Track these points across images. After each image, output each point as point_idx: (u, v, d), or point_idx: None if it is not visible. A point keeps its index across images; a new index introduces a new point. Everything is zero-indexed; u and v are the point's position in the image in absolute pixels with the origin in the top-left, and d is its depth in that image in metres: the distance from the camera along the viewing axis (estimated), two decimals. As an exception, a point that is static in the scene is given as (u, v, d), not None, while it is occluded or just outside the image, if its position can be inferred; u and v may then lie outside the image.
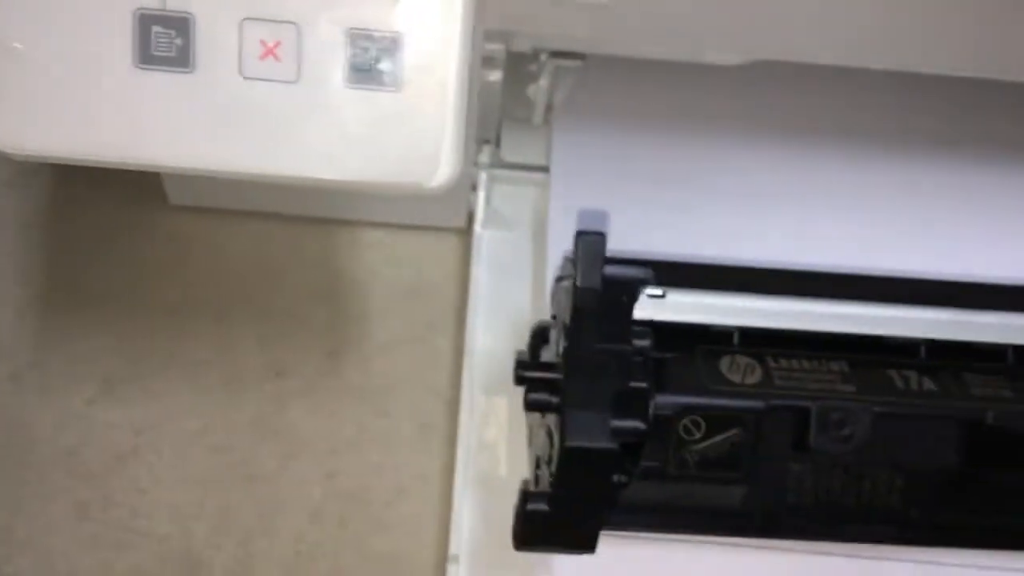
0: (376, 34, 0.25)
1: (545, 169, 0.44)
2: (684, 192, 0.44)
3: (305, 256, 0.42)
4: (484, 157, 0.43)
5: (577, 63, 0.43)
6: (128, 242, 0.42)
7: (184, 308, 0.40)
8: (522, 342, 0.40)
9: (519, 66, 0.45)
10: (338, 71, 0.26)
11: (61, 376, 0.39)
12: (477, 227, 0.42)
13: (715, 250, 0.40)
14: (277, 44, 0.25)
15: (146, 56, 0.25)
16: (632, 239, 0.41)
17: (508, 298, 0.43)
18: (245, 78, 0.25)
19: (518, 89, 0.45)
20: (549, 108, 0.45)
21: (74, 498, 0.37)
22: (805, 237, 0.42)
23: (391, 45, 0.25)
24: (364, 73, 0.26)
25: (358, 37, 0.25)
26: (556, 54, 0.43)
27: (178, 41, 0.25)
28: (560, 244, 0.40)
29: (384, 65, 0.26)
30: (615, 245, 0.34)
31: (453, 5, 0.25)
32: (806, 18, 0.35)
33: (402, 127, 0.26)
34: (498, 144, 0.46)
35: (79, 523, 0.37)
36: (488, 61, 0.40)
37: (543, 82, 0.43)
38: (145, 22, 0.25)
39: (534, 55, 0.43)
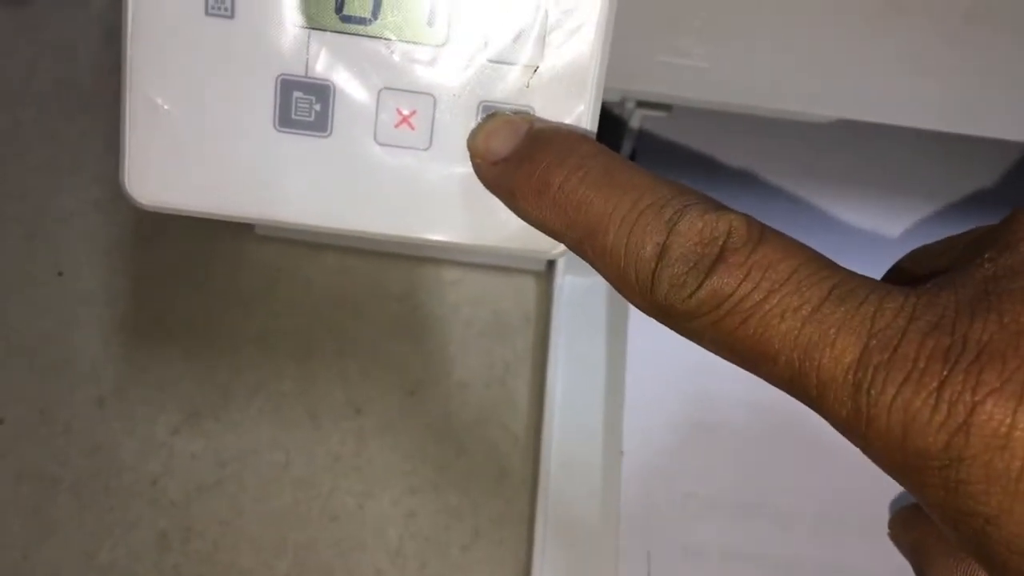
0: (507, 107, 0.26)
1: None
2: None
3: (387, 291, 0.42)
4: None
5: (663, 114, 0.44)
6: (214, 271, 0.42)
7: (268, 339, 0.41)
8: (596, 388, 0.40)
9: (605, 114, 0.45)
10: (470, 140, 0.26)
11: (145, 404, 0.40)
12: (559, 273, 0.43)
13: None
14: (412, 113, 0.26)
15: (286, 119, 0.26)
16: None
17: (586, 343, 0.43)
18: (379, 144, 0.26)
19: (602, 136, 0.45)
20: (632, 156, 0.46)
21: (156, 528, 0.38)
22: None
23: (524, 118, 0.26)
24: (495, 144, 0.26)
25: (491, 110, 0.26)
26: (643, 104, 0.43)
27: (317, 107, 0.26)
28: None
29: (516, 137, 0.26)
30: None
31: (584, 81, 0.26)
32: (904, 81, 0.36)
33: (529, 197, 0.27)
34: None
35: (161, 553, 0.37)
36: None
37: (627, 131, 0.44)
38: (287, 88, 0.26)
39: (620, 102, 0.44)
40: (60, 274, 0.42)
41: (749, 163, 0.46)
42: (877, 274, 0.24)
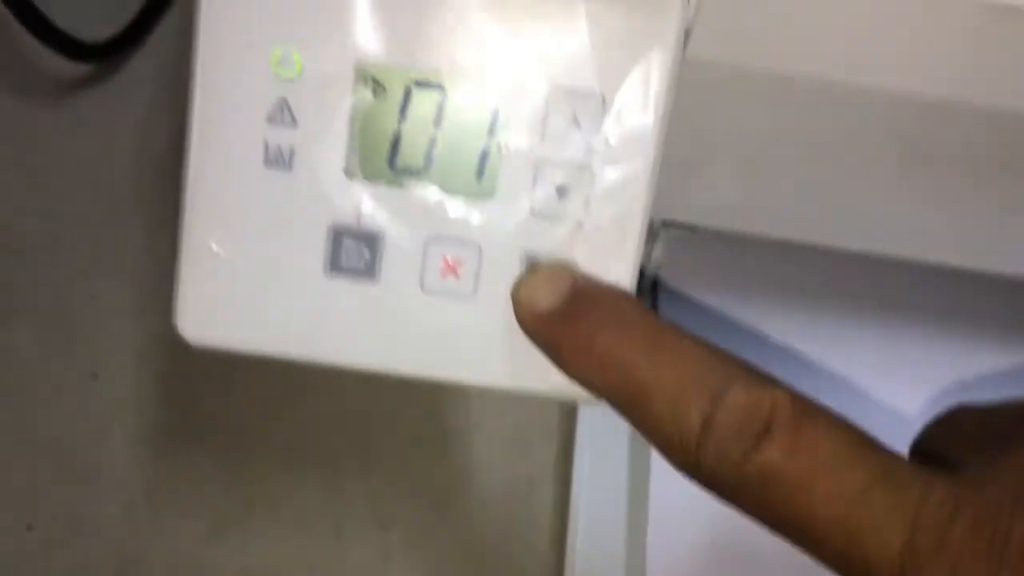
0: (552, 259, 0.27)
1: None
2: (782, 361, 0.45)
3: (413, 404, 0.43)
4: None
5: (688, 233, 0.45)
6: (243, 379, 0.43)
7: (296, 450, 0.41)
8: (619, 505, 0.40)
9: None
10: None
11: (172, 511, 0.40)
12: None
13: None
14: (458, 262, 0.27)
15: (336, 265, 0.27)
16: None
17: (610, 460, 0.43)
18: (425, 291, 0.27)
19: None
20: (656, 273, 0.46)
21: (180, 638, 0.38)
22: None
23: (567, 270, 0.27)
24: (538, 293, 0.27)
25: (534, 261, 0.27)
26: (668, 223, 0.44)
27: (367, 254, 0.27)
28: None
29: (558, 287, 0.27)
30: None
31: (626, 241, 0.27)
32: (931, 218, 0.36)
33: (569, 344, 0.27)
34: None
35: (184, 665, 0.38)
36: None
37: (655, 249, 0.45)
38: (338, 235, 0.26)
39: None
40: (94, 377, 0.42)
41: (775, 279, 0.47)
42: (909, 407, 0.24)
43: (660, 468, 0.43)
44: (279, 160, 0.26)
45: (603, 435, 0.43)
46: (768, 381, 0.22)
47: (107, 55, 0.49)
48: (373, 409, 0.43)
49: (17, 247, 0.46)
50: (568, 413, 0.44)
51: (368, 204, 0.27)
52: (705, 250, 0.46)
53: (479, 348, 0.27)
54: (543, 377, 0.27)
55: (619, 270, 0.27)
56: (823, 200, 0.35)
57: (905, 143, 0.31)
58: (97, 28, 0.48)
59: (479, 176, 0.27)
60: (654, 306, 0.45)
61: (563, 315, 0.25)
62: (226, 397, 0.42)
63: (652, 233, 0.47)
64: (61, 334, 0.44)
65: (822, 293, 0.47)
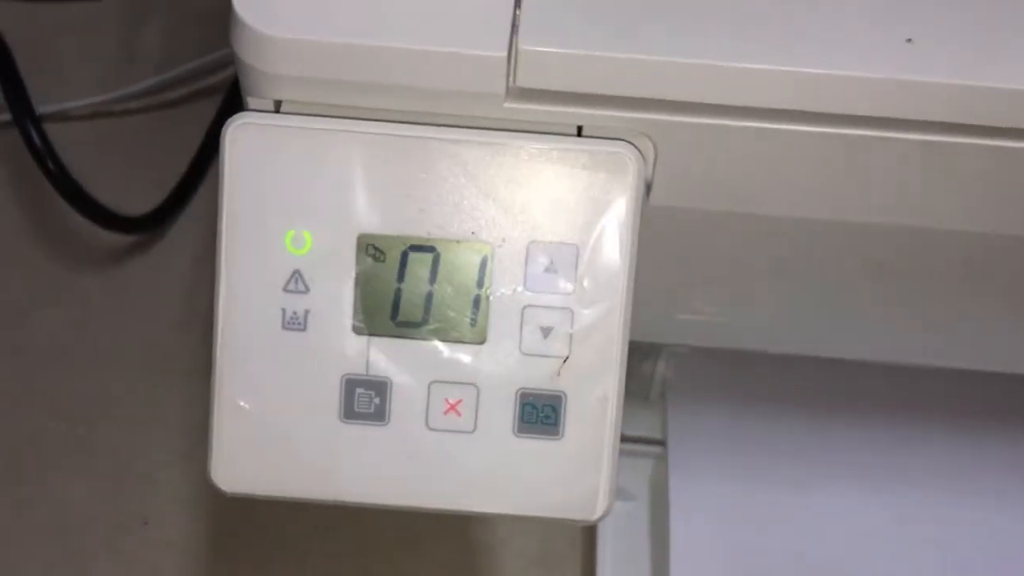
0: (542, 393, 0.30)
1: (660, 443, 0.48)
2: (794, 466, 0.47)
3: (443, 524, 0.45)
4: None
5: (688, 349, 0.47)
6: (280, 511, 0.46)
7: (329, 571, 0.44)
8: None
9: (635, 348, 0.49)
10: (509, 423, 0.30)
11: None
12: (600, 500, 0.46)
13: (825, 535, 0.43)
14: (459, 402, 0.30)
15: (349, 412, 0.30)
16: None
17: (631, 567, 0.45)
18: (430, 429, 0.30)
19: (634, 367, 0.49)
20: (664, 384, 0.49)
21: None
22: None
23: (555, 402, 0.30)
24: (531, 425, 0.30)
25: (527, 395, 0.30)
26: (668, 345, 0.47)
27: (376, 400, 0.30)
28: (682, 519, 0.43)
29: (548, 419, 0.30)
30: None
31: (608, 366, 0.30)
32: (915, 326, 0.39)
33: (564, 469, 0.30)
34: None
35: None
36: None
37: (659, 365, 0.47)
38: (351, 385, 0.30)
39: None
40: (145, 523, 0.46)
41: (776, 386, 0.49)
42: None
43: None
44: (295, 322, 0.30)
45: (624, 544, 0.45)
46: None
47: (148, 228, 0.54)
48: (404, 531, 0.45)
49: (71, 406, 0.50)
50: (588, 527, 0.46)
51: (375, 356, 0.30)
52: (709, 366, 0.49)
53: (483, 479, 0.30)
54: (544, 502, 0.30)
55: (605, 390, 0.30)
56: (793, 314, 0.38)
57: (862, 260, 0.34)
58: (138, 204, 0.54)
59: (472, 324, 0.30)
60: (663, 422, 0.48)
61: None
62: (264, 532, 0.45)
63: (653, 349, 0.49)
64: (112, 483, 0.47)
65: (828, 399, 0.49)
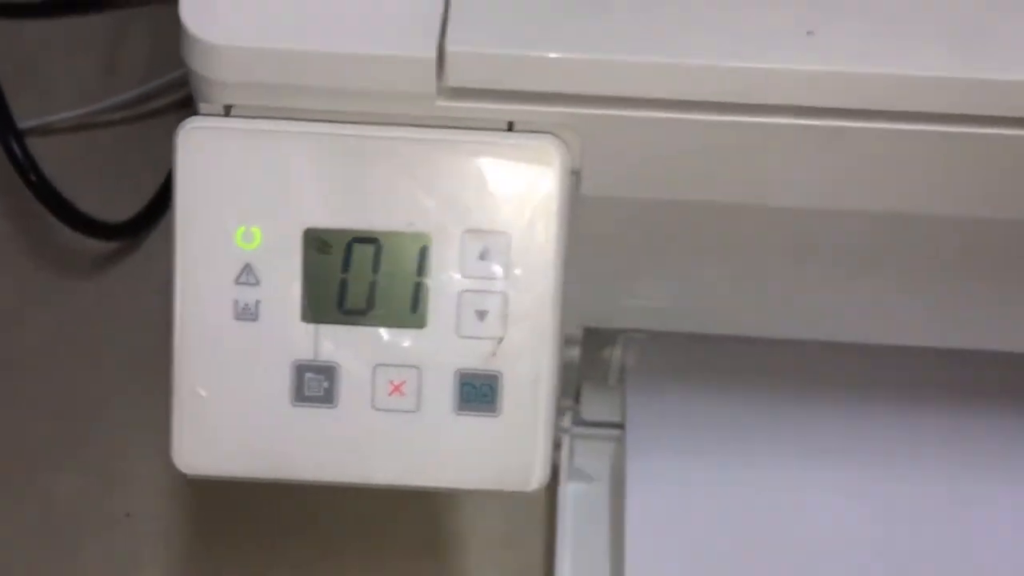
0: (479, 373, 0.32)
1: (620, 426, 0.49)
2: (747, 444, 0.48)
3: (411, 510, 0.47)
4: (566, 422, 0.49)
5: (644, 335, 0.49)
6: (260, 504, 0.48)
7: (305, 559, 0.46)
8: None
9: (593, 335, 0.51)
10: (449, 402, 0.32)
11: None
12: (562, 482, 0.48)
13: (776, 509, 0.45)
14: (402, 383, 0.32)
15: (300, 395, 0.32)
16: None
17: (591, 545, 0.47)
18: (376, 409, 0.32)
19: (594, 354, 0.51)
20: (623, 370, 0.51)
21: None
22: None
23: (492, 381, 0.32)
24: (470, 403, 0.32)
25: (466, 375, 0.32)
26: (624, 330, 0.49)
27: (325, 384, 0.32)
28: (638, 497, 0.45)
29: (486, 397, 0.32)
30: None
31: (542, 346, 0.32)
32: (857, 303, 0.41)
33: (502, 444, 0.32)
34: (577, 400, 0.52)
35: None
36: (569, 339, 0.46)
37: (616, 351, 0.49)
38: (300, 371, 0.32)
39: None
40: (128, 515, 0.48)
41: (734, 369, 0.51)
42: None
43: (637, 548, 0.46)
44: (247, 313, 0.32)
45: (584, 524, 0.47)
46: None
47: (129, 234, 0.57)
48: (373, 519, 0.47)
49: (58, 406, 0.52)
50: (550, 508, 0.47)
51: (323, 343, 0.32)
52: (667, 351, 0.50)
53: (426, 455, 0.32)
54: (483, 474, 0.32)
55: (538, 369, 0.31)
56: (738, 297, 0.39)
57: (786, 241, 0.36)
58: (121, 212, 0.56)
59: (413, 310, 0.32)
60: (623, 407, 0.49)
61: None
62: (244, 525, 0.47)
63: (611, 336, 0.51)
64: (97, 479, 0.49)
65: (783, 380, 0.51)
